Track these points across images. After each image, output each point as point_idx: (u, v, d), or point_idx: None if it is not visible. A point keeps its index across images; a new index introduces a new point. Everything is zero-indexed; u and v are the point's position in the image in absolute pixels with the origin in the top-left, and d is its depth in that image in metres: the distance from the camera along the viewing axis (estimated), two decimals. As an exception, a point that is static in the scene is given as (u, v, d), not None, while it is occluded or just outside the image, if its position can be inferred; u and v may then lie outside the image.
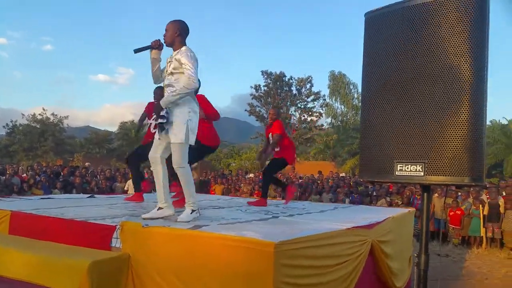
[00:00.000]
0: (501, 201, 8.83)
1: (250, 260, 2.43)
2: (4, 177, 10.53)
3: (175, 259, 2.70)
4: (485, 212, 8.76)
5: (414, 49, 2.01)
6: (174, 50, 3.49)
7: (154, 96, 5.08)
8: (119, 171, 15.00)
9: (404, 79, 2.03)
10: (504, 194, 9.50)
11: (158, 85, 4.19)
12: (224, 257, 2.53)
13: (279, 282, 2.37)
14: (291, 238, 2.59)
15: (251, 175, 17.68)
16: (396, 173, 1.97)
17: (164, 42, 3.53)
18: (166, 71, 3.52)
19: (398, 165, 1.97)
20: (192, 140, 3.45)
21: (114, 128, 40.94)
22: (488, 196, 9.19)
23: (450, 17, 1.90)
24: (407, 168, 1.95)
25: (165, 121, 3.41)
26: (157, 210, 3.53)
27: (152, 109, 4.56)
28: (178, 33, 3.49)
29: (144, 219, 3.38)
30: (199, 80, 3.44)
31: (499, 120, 28.14)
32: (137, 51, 3.58)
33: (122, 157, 36.01)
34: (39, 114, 35.25)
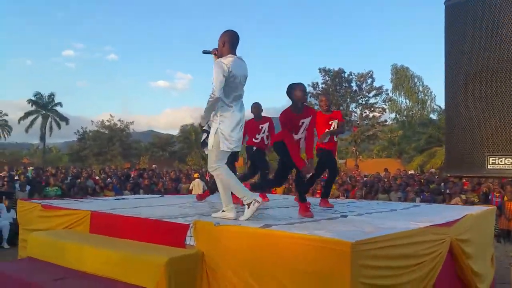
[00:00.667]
0: None
1: (325, 260, 2.38)
2: (79, 180, 11.29)
3: (247, 257, 2.72)
4: None
5: (503, 36, 1.85)
6: None
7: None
8: (182, 172, 15.53)
9: (493, 70, 1.89)
10: None
11: None
12: (297, 256, 2.50)
13: (356, 283, 2.30)
14: (367, 237, 2.50)
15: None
16: (489, 167, 1.83)
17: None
18: None
19: (491, 159, 1.83)
20: (226, 146, 3.46)
21: (175, 132, 42.55)
22: None
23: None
24: (501, 161, 1.80)
25: (205, 135, 3.56)
26: (221, 212, 3.58)
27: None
28: (223, 44, 3.53)
29: (213, 217, 3.43)
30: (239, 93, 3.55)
31: None
32: (205, 52, 3.69)
33: (183, 159, 37.50)
34: (107, 121, 37.57)
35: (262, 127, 5.46)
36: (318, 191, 11.80)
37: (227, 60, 3.38)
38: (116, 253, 3.04)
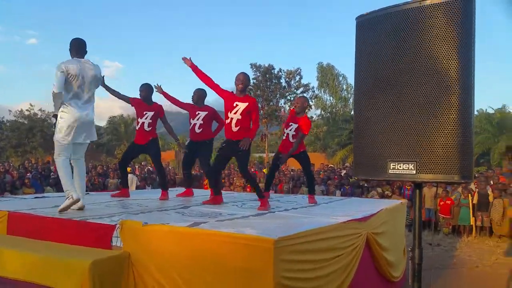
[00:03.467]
0: (489, 190, 9.02)
1: (250, 257, 2.49)
2: (-5, 176, 10.44)
3: (175, 257, 2.74)
4: (475, 201, 8.96)
5: (404, 51, 2.07)
6: None
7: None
8: (110, 167, 14.95)
9: (395, 80, 2.09)
10: (492, 183, 9.71)
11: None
12: (224, 254, 2.58)
13: (279, 277, 2.43)
14: (289, 234, 2.65)
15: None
16: (390, 172, 2.04)
17: None
18: None
19: (391, 164, 2.04)
20: (61, 138, 4.10)
21: (102, 123, 40.57)
22: (476, 186, 9.37)
23: (438, 21, 1.97)
24: (400, 166, 2.02)
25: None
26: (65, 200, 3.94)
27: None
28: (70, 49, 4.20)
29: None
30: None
31: (485, 110, 28.62)
32: None
33: (112, 152, 35.91)
34: (27, 110, 34.87)
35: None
36: (248, 186, 12.01)
37: (67, 61, 4.04)
38: (37, 256, 2.90)
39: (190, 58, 4.75)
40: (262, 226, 3.20)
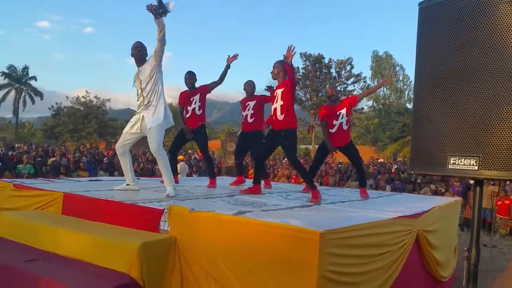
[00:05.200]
0: (553, 191, 8.40)
1: (295, 248, 2.45)
2: (53, 159, 11.07)
3: (220, 244, 2.76)
4: (535, 202, 8.38)
5: (471, 40, 1.91)
6: None
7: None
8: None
9: (460, 70, 1.94)
10: (556, 183, 9.03)
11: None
12: (269, 244, 2.56)
13: (323, 270, 2.38)
14: (336, 227, 2.58)
15: (288, 159, 17.66)
16: (449, 167, 1.90)
17: None
18: None
19: (451, 159, 1.90)
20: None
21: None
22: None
23: (509, 6, 1.80)
24: (461, 161, 1.88)
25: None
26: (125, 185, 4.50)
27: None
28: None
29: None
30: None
31: None
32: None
33: (161, 140, 36.85)
34: (83, 97, 36.58)
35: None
36: (293, 176, 11.94)
37: None
38: (89, 236, 3.02)
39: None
40: (307, 217, 3.15)
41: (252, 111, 5.43)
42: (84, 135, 35.27)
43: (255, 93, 5.64)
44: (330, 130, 5.15)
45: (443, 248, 4.09)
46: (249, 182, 6.00)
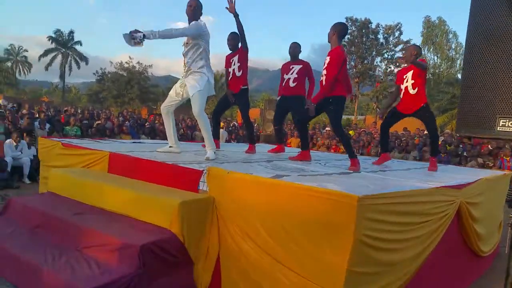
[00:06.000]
0: None
1: (332, 212, 2.44)
2: (98, 122, 11.52)
3: (257, 205, 2.80)
4: None
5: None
6: None
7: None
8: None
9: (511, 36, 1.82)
10: None
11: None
12: (305, 206, 2.56)
13: (360, 235, 2.37)
14: (374, 193, 2.55)
15: (328, 128, 17.47)
16: (498, 129, 1.82)
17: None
18: None
19: (501, 121, 1.81)
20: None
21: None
22: None
23: None
24: (511, 123, 1.78)
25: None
26: (168, 147, 4.61)
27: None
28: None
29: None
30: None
31: None
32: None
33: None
34: (126, 63, 37.42)
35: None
36: (333, 146, 11.86)
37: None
38: (133, 193, 3.17)
39: None
40: (346, 183, 3.13)
41: (296, 75, 5.26)
42: (127, 100, 36.30)
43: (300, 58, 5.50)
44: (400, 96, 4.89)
45: (486, 222, 3.96)
46: (288, 151, 6.01)
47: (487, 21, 1.96)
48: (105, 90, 37.42)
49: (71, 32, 43.62)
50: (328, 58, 4.31)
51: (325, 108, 4.45)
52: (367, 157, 7.49)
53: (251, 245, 2.76)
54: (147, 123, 13.13)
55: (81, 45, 44.75)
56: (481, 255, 4.04)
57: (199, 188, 3.18)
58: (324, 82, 4.29)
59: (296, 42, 5.45)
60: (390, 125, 5.09)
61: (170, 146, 4.63)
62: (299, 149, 5.06)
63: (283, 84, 5.39)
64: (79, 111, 16.22)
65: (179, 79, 4.54)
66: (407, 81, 4.70)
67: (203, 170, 3.20)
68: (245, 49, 5.21)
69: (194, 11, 4.20)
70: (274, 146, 6.00)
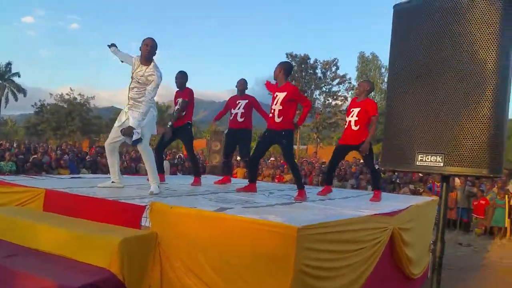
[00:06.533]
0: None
1: (274, 243, 2.51)
2: (35, 156, 10.93)
3: (200, 239, 2.81)
4: (511, 203, 8.62)
5: (441, 42, 2.01)
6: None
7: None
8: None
9: (430, 71, 2.04)
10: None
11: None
12: (248, 239, 2.62)
13: (300, 265, 2.45)
14: (313, 223, 2.66)
15: (273, 159, 17.80)
16: (417, 163, 2.00)
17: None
18: None
19: (419, 156, 2.00)
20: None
21: (138, 110, 41.56)
22: (514, 187, 9.02)
23: (479, 11, 1.89)
24: (428, 158, 1.97)
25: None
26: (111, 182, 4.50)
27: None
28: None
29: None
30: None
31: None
32: None
33: (146, 138, 36.67)
34: (67, 94, 36.20)
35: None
36: (277, 176, 12.04)
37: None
38: (70, 231, 3.03)
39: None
40: (286, 214, 3.23)
41: (243, 110, 5.51)
42: (67, 133, 34.87)
43: (246, 92, 5.73)
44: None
45: (417, 246, 4.21)
46: (234, 181, 6.08)
47: (405, 62, 2.17)
48: (43, 122, 35.74)
49: (9, 64, 41.62)
50: (283, 94, 4.48)
51: (277, 141, 4.65)
52: (310, 187, 7.72)
53: (195, 281, 2.74)
54: (88, 156, 12.65)
55: (19, 76, 42.70)
56: (412, 277, 4.27)
57: (141, 224, 3.12)
58: (276, 117, 4.49)
59: (243, 79, 5.77)
60: (339, 160, 5.33)
61: (112, 181, 4.52)
62: (245, 180, 5.17)
63: (231, 118, 5.60)
64: (14, 145, 15.32)
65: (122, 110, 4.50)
66: (352, 116, 4.88)
67: (146, 205, 3.16)
68: (191, 93, 5.41)
69: (151, 51, 4.23)
70: (220, 178, 6.06)
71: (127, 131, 4.16)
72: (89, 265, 2.75)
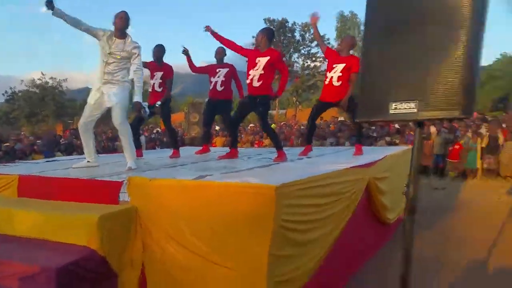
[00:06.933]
0: (500, 134, 8.94)
1: (253, 204, 2.53)
2: (7, 144, 10.64)
3: (181, 209, 2.80)
4: (483, 145, 8.89)
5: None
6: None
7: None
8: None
9: (404, 22, 2.01)
10: (504, 126, 9.60)
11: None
12: (229, 203, 2.63)
13: (280, 221, 2.49)
14: (290, 181, 2.68)
15: (252, 125, 17.79)
16: (391, 112, 2.00)
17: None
18: None
19: (393, 104, 2.00)
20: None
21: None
22: (488, 129, 9.28)
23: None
24: (401, 106, 1.98)
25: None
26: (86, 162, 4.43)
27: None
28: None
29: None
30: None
31: (509, 54, 27.57)
32: None
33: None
34: (38, 79, 34.92)
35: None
36: (256, 142, 12.08)
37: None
38: (47, 214, 2.98)
39: (210, 27, 4.94)
40: (265, 175, 3.24)
41: (223, 79, 5.41)
42: (42, 118, 33.92)
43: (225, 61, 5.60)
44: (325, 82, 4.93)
45: (392, 193, 4.32)
46: (214, 150, 6.07)
47: (381, 13, 2.13)
48: (16, 109, 34.57)
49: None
50: (266, 58, 4.42)
51: (253, 108, 4.63)
52: (291, 148, 7.79)
53: (178, 249, 2.75)
54: (63, 139, 12.39)
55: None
56: (388, 222, 4.43)
57: (120, 199, 3.09)
58: (255, 81, 4.44)
59: (221, 47, 5.54)
60: (316, 118, 5.28)
61: (88, 161, 4.43)
62: (225, 148, 5.17)
63: (211, 87, 5.49)
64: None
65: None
66: (335, 72, 4.76)
67: (123, 180, 3.12)
68: (172, 70, 5.37)
69: (126, 23, 4.18)
70: (199, 148, 6.03)
71: (137, 107, 4.24)
72: (69, 245, 2.72)
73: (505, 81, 24.13)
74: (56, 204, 3.24)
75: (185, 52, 5.38)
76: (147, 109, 4.60)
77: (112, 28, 4.18)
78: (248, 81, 4.56)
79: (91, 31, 4.18)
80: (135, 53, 4.16)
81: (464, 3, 1.85)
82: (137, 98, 4.20)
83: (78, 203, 3.20)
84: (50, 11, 3.93)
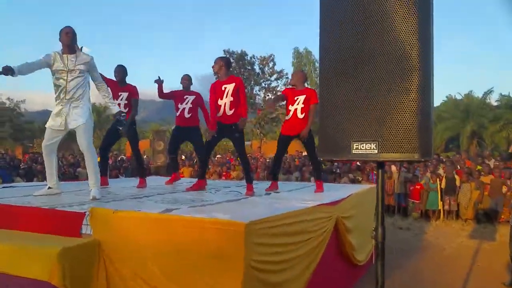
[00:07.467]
0: (456, 175, 9.32)
1: (223, 241, 2.49)
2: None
3: (148, 243, 2.72)
4: (443, 186, 9.22)
5: (367, 29, 2.06)
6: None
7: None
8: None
9: (358, 60, 2.09)
10: (458, 167, 10.04)
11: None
12: (197, 239, 2.57)
13: (250, 260, 2.46)
14: (260, 218, 2.68)
15: (219, 156, 17.76)
16: (353, 152, 2.07)
17: None
18: None
19: (354, 144, 2.07)
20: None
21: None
22: (444, 170, 9.65)
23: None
24: (362, 146, 2.05)
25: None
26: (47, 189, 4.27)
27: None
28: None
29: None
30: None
31: (454, 96, 29.36)
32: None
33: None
34: (-6, 99, 33.55)
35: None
36: (223, 173, 12.01)
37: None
38: (4, 245, 2.82)
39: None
40: (234, 211, 3.23)
41: (191, 105, 5.48)
42: (-1, 140, 32.40)
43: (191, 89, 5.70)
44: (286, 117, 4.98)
45: (359, 233, 4.39)
46: (181, 181, 5.98)
47: (335, 51, 2.21)
48: (-30, 132, 32.88)
49: None
50: (232, 85, 4.53)
51: (228, 135, 4.67)
52: (258, 182, 7.79)
53: (143, 286, 2.66)
54: (22, 163, 11.86)
55: None
56: (357, 263, 4.45)
57: (81, 232, 2.98)
58: (227, 109, 4.54)
59: (187, 74, 5.72)
60: (283, 153, 5.33)
61: (49, 188, 4.26)
62: (192, 178, 5.14)
63: (178, 113, 5.52)
64: None
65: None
66: (297, 104, 4.82)
67: (85, 212, 3.02)
68: (137, 91, 5.34)
69: (74, 38, 4.11)
70: (166, 178, 5.94)
71: (118, 114, 4.36)
72: (28, 279, 2.58)
73: (452, 122, 25.56)
74: (14, 235, 3.08)
75: (159, 81, 5.39)
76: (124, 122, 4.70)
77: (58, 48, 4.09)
78: (220, 109, 4.59)
79: (42, 64, 4.03)
80: (92, 65, 4.13)
81: (413, 47, 1.96)
82: (115, 108, 4.33)
83: (38, 234, 3.05)
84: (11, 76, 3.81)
